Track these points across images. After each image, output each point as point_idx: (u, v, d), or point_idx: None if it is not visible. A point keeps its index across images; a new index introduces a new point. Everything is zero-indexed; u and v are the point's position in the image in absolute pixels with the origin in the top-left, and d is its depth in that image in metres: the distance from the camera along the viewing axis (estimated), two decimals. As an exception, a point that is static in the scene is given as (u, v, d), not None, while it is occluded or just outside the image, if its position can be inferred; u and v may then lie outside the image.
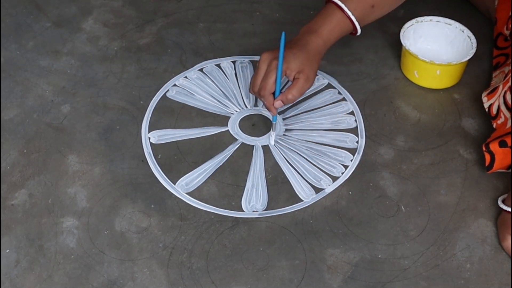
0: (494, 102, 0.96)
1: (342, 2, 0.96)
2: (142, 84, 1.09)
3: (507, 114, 0.93)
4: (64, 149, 0.98)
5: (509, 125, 0.91)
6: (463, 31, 1.08)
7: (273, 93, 0.93)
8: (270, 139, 0.99)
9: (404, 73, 1.09)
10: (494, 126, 0.95)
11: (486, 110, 0.98)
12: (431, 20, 1.10)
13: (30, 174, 0.95)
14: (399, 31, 1.17)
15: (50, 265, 0.84)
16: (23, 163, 0.96)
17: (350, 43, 1.15)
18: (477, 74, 1.09)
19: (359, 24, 0.98)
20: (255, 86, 0.94)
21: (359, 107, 1.05)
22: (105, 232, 0.88)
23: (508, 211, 0.86)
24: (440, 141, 0.99)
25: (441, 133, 1.01)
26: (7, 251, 0.86)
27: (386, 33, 1.17)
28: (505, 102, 0.94)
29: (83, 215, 0.90)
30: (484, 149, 0.91)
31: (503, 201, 0.88)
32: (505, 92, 0.94)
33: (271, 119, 1.00)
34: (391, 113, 1.04)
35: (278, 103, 0.93)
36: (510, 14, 1.07)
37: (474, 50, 1.04)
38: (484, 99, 0.99)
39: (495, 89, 0.97)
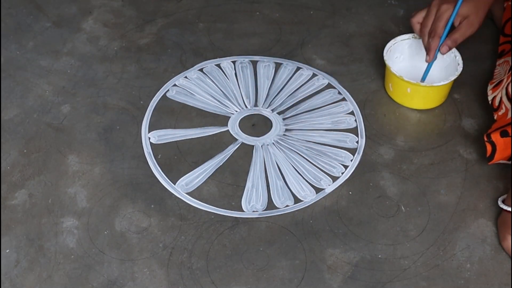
0: (497, 95, 0.96)
1: None
2: (142, 84, 1.09)
3: (508, 105, 0.93)
4: (64, 149, 0.98)
5: (509, 115, 0.91)
6: (456, 57, 1.03)
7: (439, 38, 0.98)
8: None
9: (385, 84, 1.07)
10: (495, 117, 0.95)
11: (490, 102, 0.98)
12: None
13: (30, 174, 0.95)
14: (399, 31, 1.17)
15: (50, 265, 0.84)
16: (23, 163, 0.96)
17: (350, 43, 1.15)
18: (477, 74, 1.09)
19: None
20: (426, 26, 1.00)
21: (359, 107, 1.05)
22: (105, 232, 0.88)
23: (508, 211, 0.85)
24: (440, 141, 0.99)
25: (441, 133, 1.01)
26: (7, 251, 0.86)
27: (386, 33, 1.17)
28: (506, 94, 0.94)
29: (83, 215, 0.90)
30: (485, 139, 0.91)
31: (503, 201, 0.88)
32: (508, 84, 0.94)
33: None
34: (391, 113, 1.04)
35: (444, 49, 0.99)
36: None
37: (448, 81, 0.99)
38: (489, 92, 0.99)
39: (500, 82, 0.97)
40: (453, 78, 0.99)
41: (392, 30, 1.17)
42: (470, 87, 1.07)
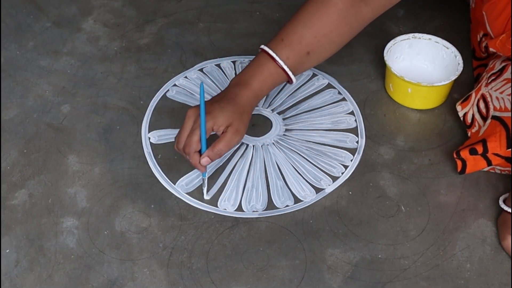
0: (468, 111, 0.97)
1: (274, 51, 0.91)
2: (142, 84, 1.09)
3: (481, 123, 0.93)
4: (64, 149, 0.98)
5: (481, 133, 0.91)
6: (456, 56, 1.03)
7: (199, 151, 0.87)
8: (204, 193, 0.91)
9: (385, 84, 1.07)
10: (469, 134, 0.95)
11: (461, 118, 0.98)
12: (429, 39, 1.06)
13: (30, 174, 0.95)
14: (399, 31, 1.17)
15: (50, 265, 0.84)
16: (23, 163, 0.96)
17: (350, 43, 1.15)
18: (477, 74, 1.09)
19: (293, 74, 0.92)
20: (180, 143, 0.87)
21: (359, 107, 1.05)
22: (105, 232, 0.88)
23: (509, 212, 0.85)
24: (440, 141, 0.99)
25: (441, 133, 1.01)
26: (7, 251, 0.86)
27: (386, 33, 1.17)
28: (479, 111, 0.94)
29: (83, 215, 0.90)
30: (455, 156, 0.92)
31: (504, 201, 0.88)
32: (478, 101, 0.94)
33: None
34: (391, 113, 1.04)
35: (205, 160, 0.86)
36: (480, 36, 1.04)
37: (448, 81, 0.99)
38: (458, 107, 0.98)
39: (468, 97, 0.97)
40: (453, 78, 0.99)
41: (392, 30, 1.17)
42: (470, 87, 1.07)
